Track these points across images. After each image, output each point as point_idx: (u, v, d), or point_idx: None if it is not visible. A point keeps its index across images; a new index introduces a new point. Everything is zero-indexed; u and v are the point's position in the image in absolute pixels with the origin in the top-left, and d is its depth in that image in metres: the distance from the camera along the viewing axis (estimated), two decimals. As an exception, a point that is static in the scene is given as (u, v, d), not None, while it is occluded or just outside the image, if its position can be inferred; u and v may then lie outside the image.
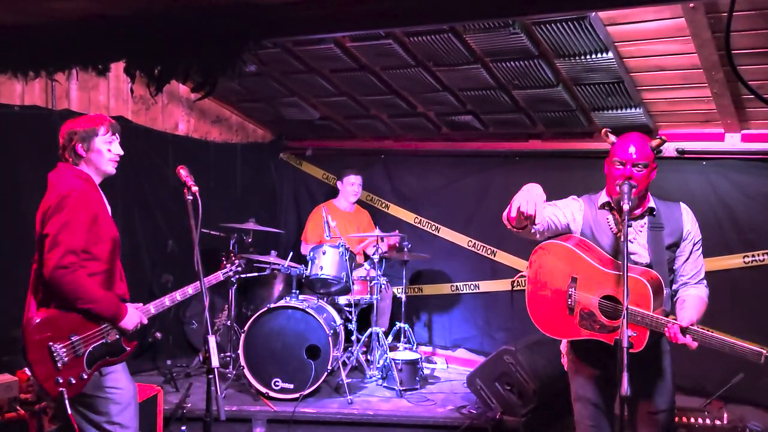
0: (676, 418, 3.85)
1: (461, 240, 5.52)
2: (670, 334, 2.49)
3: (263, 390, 4.38)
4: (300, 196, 6.28)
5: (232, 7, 2.52)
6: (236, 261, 3.60)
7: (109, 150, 2.79)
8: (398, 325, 5.14)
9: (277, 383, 4.37)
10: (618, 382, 2.25)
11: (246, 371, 4.41)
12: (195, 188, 2.65)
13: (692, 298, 2.68)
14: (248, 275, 5.12)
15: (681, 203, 2.80)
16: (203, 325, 2.65)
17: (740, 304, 4.26)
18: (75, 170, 2.76)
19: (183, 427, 3.97)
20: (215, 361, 2.42)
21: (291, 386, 4.36)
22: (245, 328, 4.47)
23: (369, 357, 5.11)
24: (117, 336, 2.75)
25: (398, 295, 5.29)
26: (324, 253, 4.79)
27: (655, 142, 2.68)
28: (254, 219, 5.19)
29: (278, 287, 5.47)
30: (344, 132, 5.84)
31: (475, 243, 5.46)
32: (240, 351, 4.45)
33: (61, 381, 2.57)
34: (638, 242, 2.74)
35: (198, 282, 3.05)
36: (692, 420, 3.83)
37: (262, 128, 6.22)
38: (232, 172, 5.87)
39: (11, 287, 4.00)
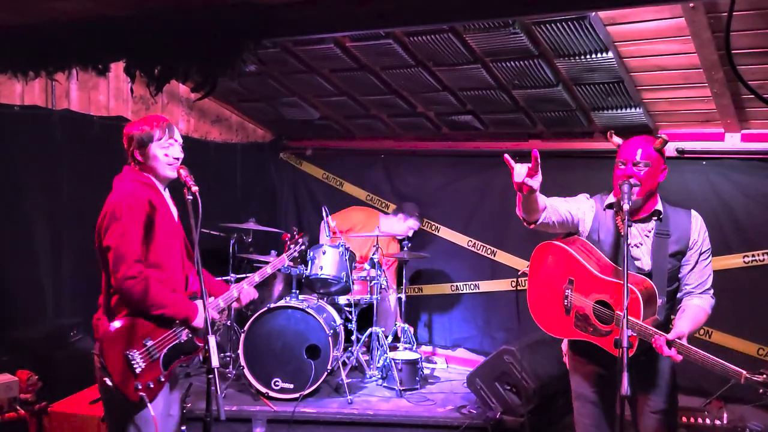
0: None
1: (461, 240, 5.52)
2: (657, 346, 2.49)
3: (263, 390, 4.38)
4: (300, 196, 6.28)
5: (232, 7, 2.52)
6: (299, 240, 3.47)
7: (166, 155, 2.71)
8: (398, 325, 5.13)
9: (277, 383, 4.37)
10: (617, 382, 2.25)
11: (246, 371, 4.41)
12: (195, 188, 2.64)
13: (692, 308, 2.67)
14: (247, 275, 5.12)
15: (692, 211, 2.80)
16: (203, 324, 2.66)
17: (740, 304, 4.26)
18: (136, 174, 2.72)
19: (183, 427, 3.94)
20: (215, 361, 2.42)
21: (291, 386, 4.36)
22: (245, 328, 4.47)
23: (369, 356, 5.11)
24: (189, 335, 2.75)
25: (398, 295, 5.29)
26: (324, 253, 4.79)
27: (657, 142, 2.70)
28: (254, 219, 5.19)
29: (278, 287, 5.47)
30: (344, 132, 5.85)
31: (475, 243, 5.46)
32: (240, 351, 4.45)
33: (140, 387, 2.58)
34: (644, 248, 2.74)
35: (263, 268, 3.19)
36: (692, 420, 3.83)
37: (262, 128, 6.22)
38: (232, 172, 5.87)
39: (11, 287, 4.01)
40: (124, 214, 2.59)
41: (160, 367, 2.65)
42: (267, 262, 4.90)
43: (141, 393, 2.58)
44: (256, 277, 3.06)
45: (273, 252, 5.24)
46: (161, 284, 2.66)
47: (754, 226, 4.31)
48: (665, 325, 2.66)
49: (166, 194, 2.80)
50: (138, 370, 2.58)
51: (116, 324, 2.59)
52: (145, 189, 2.68)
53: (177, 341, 2.71)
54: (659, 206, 2.76)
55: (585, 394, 2.85)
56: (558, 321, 2.82)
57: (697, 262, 2.72)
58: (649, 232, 2.75)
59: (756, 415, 4.12)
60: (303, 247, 3.48)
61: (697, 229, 2.74)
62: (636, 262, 2.72)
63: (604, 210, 2.82)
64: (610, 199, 2.81)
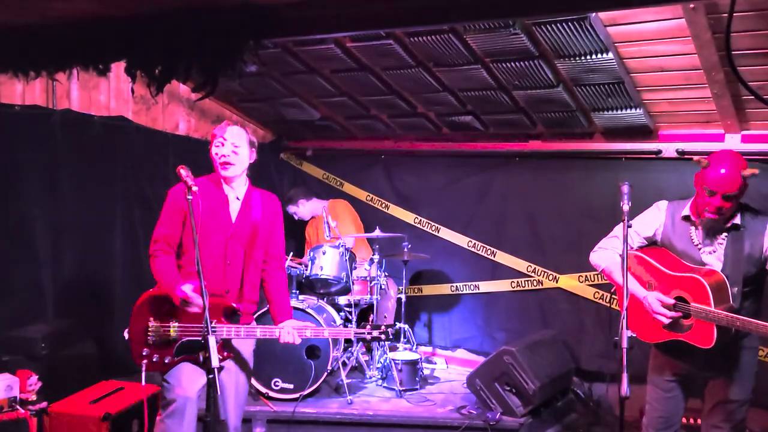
0: (692, 420, 3.87)
1: (461, 240, 5.53)
2: None
3: (263, 390, 4.38)
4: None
5: (232, 7, 2.52)
6: (386, 330, 3.10)
7: (216, 154, 2.98)
8: (398, 325, 5.14)
9: (276, 383, 4.37)
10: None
11: (246, 371, 4.41)
12: (195, 188, 2.65)
13: None
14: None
15: None
16: (203, 325, 2.66)
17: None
18: (211, 173, 3.04)
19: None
20: (215, 361, 2.42)
21: (291, 386, 4.36)
22: (245, 328, 4.46)
23: (369, 357, 5.11)
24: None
25: (398, 295, 5.29)
26: (324, 253, 4.79)
27: (747, 172, 2.73)
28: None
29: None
30: (344, 132, 5.85)
31: (475, 243, 5.46)
32: (240, 351, 4.44)
33: (145, 354, 2.82)
34: (716, 255, 2.86)
35: (321, 329, 3.23)
36: (692, 421, 3.83)
37: (262, 128, 6.22)
38: (233, 172, 5.86)
39: (11, 287, 4.01)
40: (164, 201, 2.97)
41: (172, 351, 2.81)
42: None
43: (143, 360, 2.79)
44: (308, 332, 3.02)
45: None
46: (173, 266, 2.91)
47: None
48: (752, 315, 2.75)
49: (237, 193, 3.06)
50: (150, 340, 2.80)
51: (153, 292, 2.88)
52: (204, 183, 2.93)
53: (200, 339, 2.68)
54: (737, 220, 2.84)
55: (659, 383, 3.05)
56: (649, 326, 2.94)
57: None
58: (723, 239, 2.86)
59: (756, 415, 4.12)
60: (381, 338, 3.05)
61: None
62: (707, 267, 2.85)
63: (681, 219, 2.95)
64: (687, 211, 2.94)
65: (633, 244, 3.07)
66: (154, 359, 2.80)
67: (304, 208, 5.77)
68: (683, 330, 2.83)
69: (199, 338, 2.70)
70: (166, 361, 2.80)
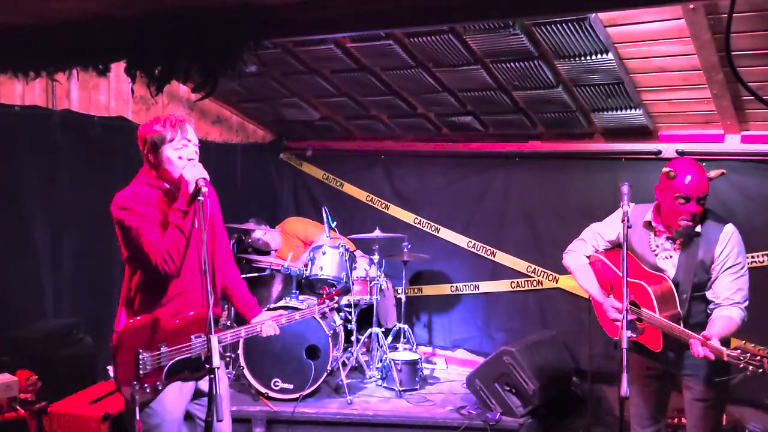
0: (675, 419, 3.87)
1: (461, 240, 5.53)
2: (693, 350, 2.61)
3: (263, 390, 4.38)
4: (300, 197, 6.28)
5: (232, 7, 2.52)
6: (336, 297, 3.36)
7: (180, 157, 2.64)
8: (398, 325, 5.14)
9: (276, 383, 4.37)
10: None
11: (245, 371, 4.41)
12: (206, 189, 2.64)
13: (719, 318, 2.75)
14: (247, 275, 5.12)
15: (726, 226, 2.84)
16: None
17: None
18: (146, 177, 2.68)
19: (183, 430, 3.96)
20: (216, 361, 2.42)
21: (291, 386, 4.36)
22: (245, 328, 4.47)
23: (369, 357, 5.11)
24: (201, 354, 2.62)
25: (398, 296, 5.29)
26: (324, 254, 4.79)
27: (712, 173, 2.76)
28: (254, 219, 5.19)
29: (277, 287, 5.47)
30: (344, 132, 5.85)
31: (474, 243, 5.47)
32: (239, 351, 4.44)
33: (137, 388, 2.51)
34: (671, 261, 2.87)
35: (292, 314, 3.05)
36: (680, 420, 3.84)
37: (262, 129, 6.22)
38: (233, 173, 5.87)
39: (11, 287, 4.00)
40: (124, 219, 2.59)
41: (162, 375, 2.58)
42: (267, 262, 4.96)
43: (136, 395, 2.51)
44: (283, 320, 2.96)
45: (273, 252, 5.24)
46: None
47: (753, 227, 4.29)
48: (695, 328, 2.74)
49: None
50: (142, 372, 2.52)
51: (137, 320, 2.54)
52: (149, 192, 2.65)
53: (189, 355, 2.64)
54: (698, 227, 2.84)
55: (636, 380, 3.04)
56: (613, 326, 2.97)
57: (719, 276, 2.79)
58: (679, 246, 2.86)
59: (756, 417, 4.12)
60: (336, 306, 3.33)
61: (723, 244, 2.79)
62: (663, 273, 2.86)
63: (643, 224, 2.95)
64: (649, 215, 2.94)
65: (598, 248, 3.11)
66: (146, 390, 2.53)
67: (273, 237, 5.48)
68: (637, 332, 2.89)
69: (189, 355, 2.63)
70: (159, 387, 2.58)
